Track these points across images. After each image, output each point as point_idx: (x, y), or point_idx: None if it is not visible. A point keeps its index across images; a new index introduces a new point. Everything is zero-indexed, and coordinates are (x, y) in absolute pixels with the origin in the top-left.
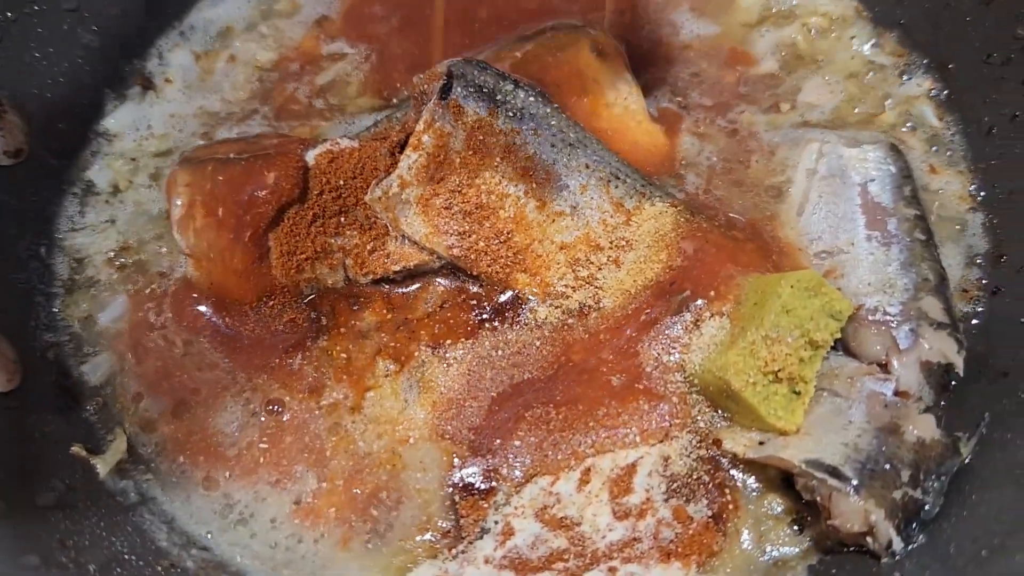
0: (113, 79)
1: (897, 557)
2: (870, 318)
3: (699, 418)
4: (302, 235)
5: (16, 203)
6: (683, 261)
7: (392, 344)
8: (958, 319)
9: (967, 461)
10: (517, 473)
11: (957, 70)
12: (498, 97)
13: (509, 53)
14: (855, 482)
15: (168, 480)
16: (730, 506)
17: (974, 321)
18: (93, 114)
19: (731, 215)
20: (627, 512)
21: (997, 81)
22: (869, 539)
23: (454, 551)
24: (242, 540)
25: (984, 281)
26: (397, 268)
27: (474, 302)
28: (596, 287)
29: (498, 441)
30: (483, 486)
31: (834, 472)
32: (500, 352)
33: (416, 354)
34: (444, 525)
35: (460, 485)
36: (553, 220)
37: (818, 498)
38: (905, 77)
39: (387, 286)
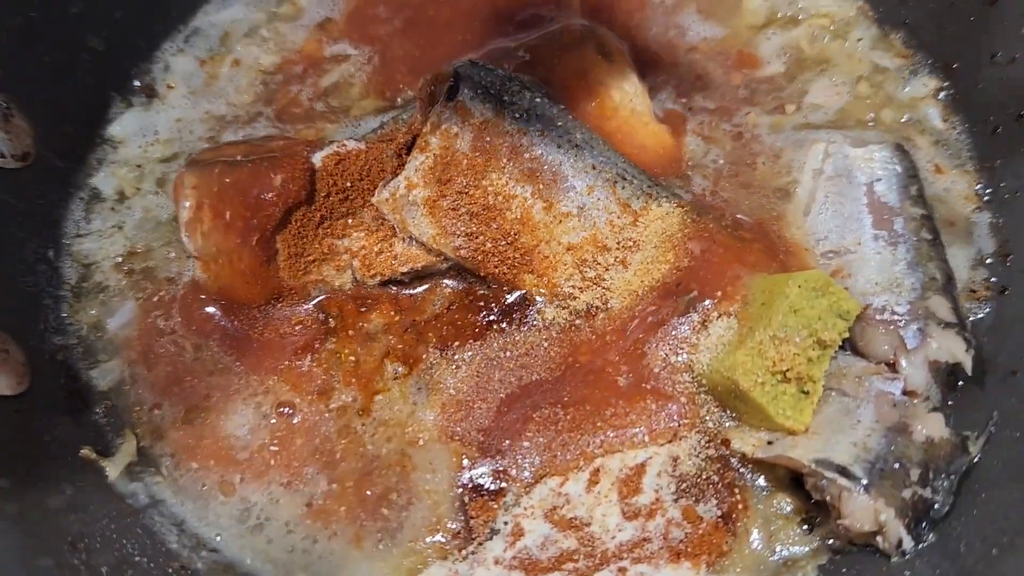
0: (119, 83)
1: (907, 556)
2: (878, 317)
3: (707, 418)
4: (309, 237)
5: (23, 206)
6: (690, 262)
7: (400, 346)
8: (965, 318)
9: (976, 460)
10: (526, 474)
11: (962, 70)
12: (504, 98)
13: (515, 54)
14: (865, 481)
15: (183, 486)
16: (739, 506)
17: (982, 320)
18: (100, 118)
19: (738, 216)
20: (636, 512)
21: (1002, 81)
22: (879, 538)
23: (464, 552)
24: (259, 546)
25: (991, 280)
26: (404, 270)
27: (481, 303)
28: (603, 288)
29: (507, 442)
30: (493, 487)
31: (844, 471)
32: (508, 353)
33: (424, 356)
34: (454, 526)
35: (470, 486)
36: (560, 221)
37: (828, 498)
38: (910, 78)
39: (394, 288)
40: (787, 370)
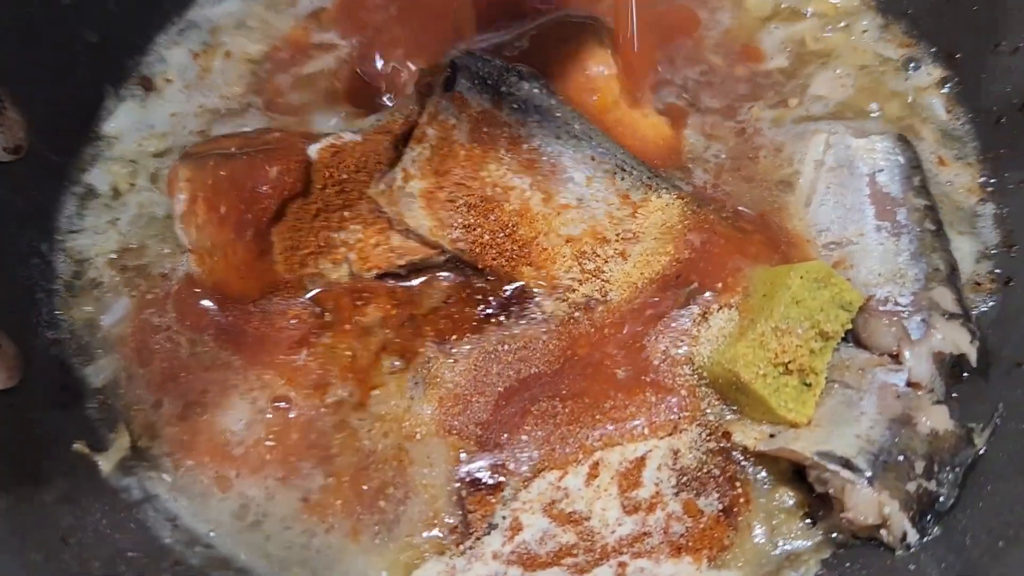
0: (113, 76)
1: (912, 549)
2: (881, 309)
3: (708, 411)
4: (305, 230)
5: (16, 200)
6: (690, 253)
7: (397, 340)
8: (969, 309)
9: (982, 452)
10: (525, 468)
11: (964, 59)
12: (502, 89)
13: (513, 45)
14: (869, 474)
15: (179, 482)
16: (741, 499)
17: (987, 312)
18: (94, 111)
19: (739, 207)
20: (636, 506)
21: (1005, 70)
22: (883, 531)
23: (462, 547)
24: (257, 542)
25: (996, 272)
26: (401, 262)
27: (479, 296)
28: (603, 280)
29: (505, 436)
30: (491, 481)
31: (847, 464)
32: (506, 347)
33: (421, 350)
34: (451, 521)
35: (467, 480)
36: (559, 213)
37: (831, 490)
38: (913, 68)
39: (391, 281)
40: (789, 362)
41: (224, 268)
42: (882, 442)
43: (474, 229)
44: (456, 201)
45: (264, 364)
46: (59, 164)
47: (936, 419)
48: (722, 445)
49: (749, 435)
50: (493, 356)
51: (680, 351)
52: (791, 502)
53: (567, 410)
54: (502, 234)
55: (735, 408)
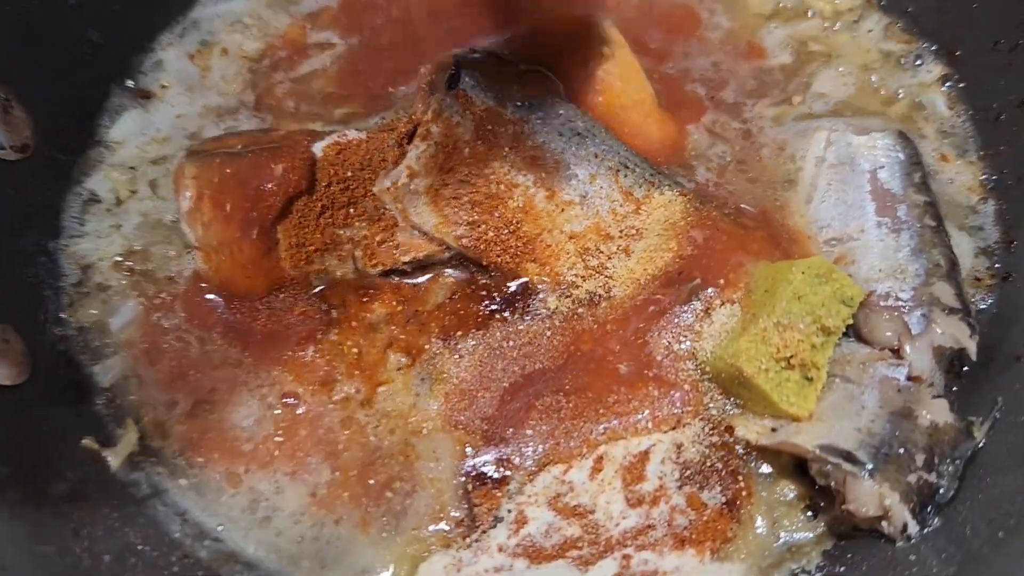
0: (118, 76)
1: (913, 541)
2: (881, 304)
3: (711, 405)
4: (311, 227)
5: (23, 198)
6: (693, 250)
7: (403, 336)
8: (969, 304)
9: (981, 445)
10: (530, 462)
11: (964, 57)
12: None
13: (517, 43)
14: (870, 466)
15: (190, 479)
16: (743, 492)
17: (986, 307)
18: (98, 110)
19: (741, 204)
20: (640, 499)
21: (1005, 67)
22: (884, 523)
23: (468, 540)
24: (268, 538)
25: (996, 267)
26: (407, 259)
27: (484, 293)
28: (606, 276)
29: (510, 430)
30: (496, 475)
31: (848, 456)
32: (511, 342)
33: (427, 347)
34: (457, 514)
35: (473, 474)
36: (563, 209)
37: (832, 483)
38: (915, 66)
39: (397, 277)
40: (791, 357)
41: (230, 265)
42: (883, 435)
43: (479, 226)
44: (460, 198)
45: (272, 360)
46: (64, 163)
47: (936, 412)
48: (725, 439)
49: (751, 429)
50: (498, 352)
51: (683, 346)
52: (793, 495)
53: (571, 405)
54: (506, 231)
55: (738, 402)
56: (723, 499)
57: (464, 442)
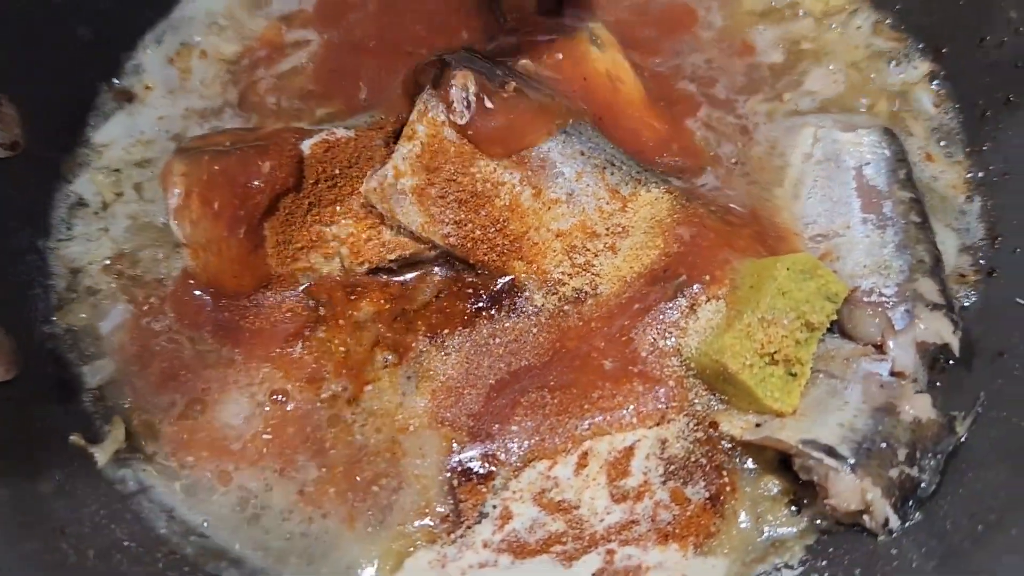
0: (107, 73)
1: (894, 535)
2: (865, 300)
3: (696, 401)
4: (297, 224)
5: (12, 196)
6: (679, 247)
7: (389, 335)
8: (953, 300)
9: (963, 440)
10: (515, 458)
11: (951, 54)
12: (491, 85)
13: (504, 42)
14: (851, 461)
15: (179, 479)
16: (727, 488)
17: (970, 302)
18: (88, 108)
19: (728, 200)
20: (625, 495)
21: (991, 64)
22: (866, 517)
23: (452, 536)
24: (258, 536)
25: (980, 263)
26: (393, 257)
27: (471, 291)
28: (593, 274)
29: (496, 427)
30: (482, 471)
31: (831, 451)
32: (497, 340)
33: (414, 344)
34: (443, 510)
35: (459, 470)
36: (549, 207)
37: (815, 478)
38: (902, 64)
39: (384, 276)
40: (775, 352)
41: (218, 262)
42: (865, 430)
43: (465, 224)
44: (447, 197)
45: (261, 358)
46: (54, 161)
47: (919, 408)
48: (709, 434)
49: (736, 424)
50: (484, 349)
51: (668, 343)
52: (776, 490)
53: (556, 401)
54: (493, 229)
55: (722, 398)
56: (707, 494)
57: (450, 438)
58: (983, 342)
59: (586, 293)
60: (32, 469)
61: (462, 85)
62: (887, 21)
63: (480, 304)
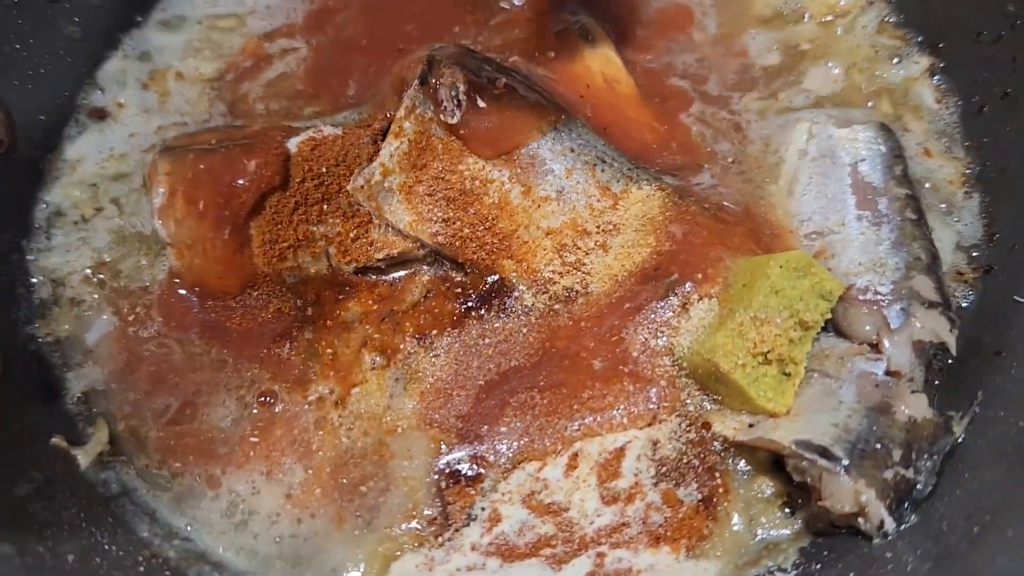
0: (95, 70)
1: (889, 537)
2: (861, 298)
3: (688, 401)
4: (284, 223)
5: None
6: (671, 245)
7: (377, 336)
8: (951, 298)
9: (960, 440)
10: (504, 459)
11: (948, 49)
12: (480, 81)
13: (495, 38)
14: (845, 462)
15: (171, 491)
16: (720, 489)
17: (968, 300)
18: (75, 106)
19: (722, 198)
20: (615, 497)
21: (988, 59)
22: (861, 520)
23: (440, 539)
24: (246, 542)
25: (978, 260)
26: (380, 256)
27: (460, 290)
28: (583, 272)
29: (485, 428)
30: (470, 473)
31: (824, 452)
32: (487, 340)
33: (402, 346)
34: (430, 513)
35: (447, 472)
36: (539, 205)
37: (809, 479)
38: (901, 59)
39: (372, 275)
40: (768, 351)
41: (203, 262)
42: (860, 430)
43: (453, 223)
44: (435, 195)
45: (249, 358)
46: (40, 159)
47: (914, 407)
48: (702, 435)
49: (729, 425)
50: (474, 350)
51: (660, 342)
52: (770, 491)
53: (546, 401)
54: (482, 227)
55: (715, 398)
56: (699, 496)
57: (439, 440)
58: (981, 340)
59: (576, 292)
60: (11, 471)
61: (450, 83)
62: (888, 17)
63: (469, 304)
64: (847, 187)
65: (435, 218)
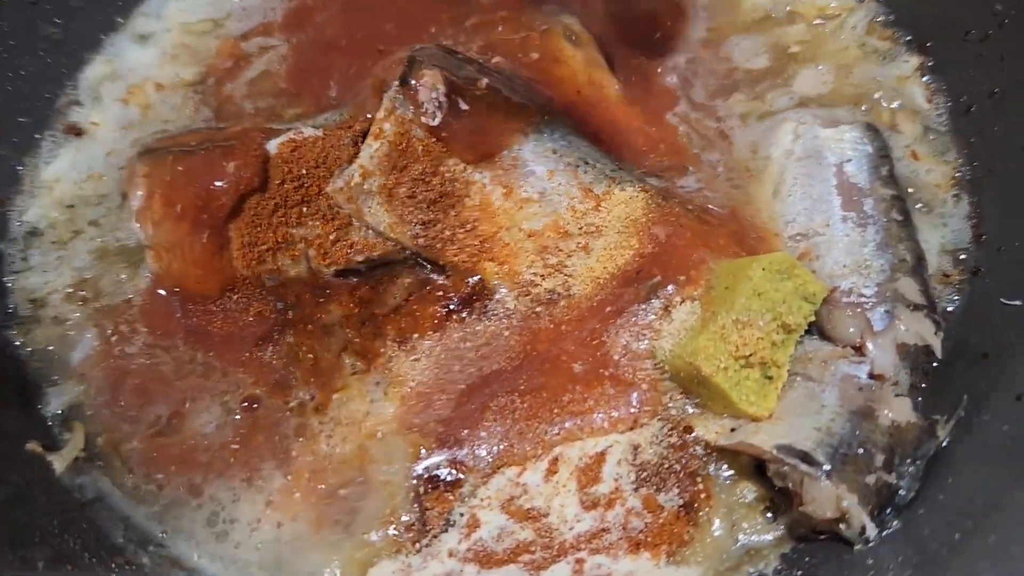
0: (76, 72)
1: (871, 543)
2: (845, 300)
3: (670, 405)
4: (263, 225)
5: None
6: (654, 247)
7: (357, 340)
8: (936, 300)
9: (945, 444)
10: (484, 464)
11: (936, 48)
12: (460, 82)
13: (476, 39)
14: (827, 467)
15: (156, 506)
16: (702, 494)
17: (954, 302)
18: (55, 109)
19: (708, 200)
20: (595, 502)
21: (976, 58)
22: (842, 525)
23: (418, 545)
24: (227, 553)
25: (965, 262)
26: (360, 259)
27: (441, 293)
28: (566, 275)
29: (465, 432)
30: (449, 478)
31: (805, 457)
32: (468, 344)
33: (383, 350)
34: (408, 518)
35: (426, 477)
36: (520, 207)
37: (790, 484)
38: (891, 59)
39: (353, 278)
40: (750, 355)
41: (182, 264)
42: (842, 435)
43: (434, 225)
44: (415, 197)
45: (233, 362)
46: (20, 160)
47: (898, 411)
48: (684, 439)
49: (710, 429)
50: (455, 353)
51: (642, 345)
52: (752, 497)
53: (526, 405)
54: (463, 230)
55: (697, 402)
56: (680, 501)
57: (419, 445)
58: (967, 343)
59: (558, 294)
60: None
61: (431, 85)
62: (877, 17)
63: (451, 307)
64: (832, 188)
65: (415, 220)
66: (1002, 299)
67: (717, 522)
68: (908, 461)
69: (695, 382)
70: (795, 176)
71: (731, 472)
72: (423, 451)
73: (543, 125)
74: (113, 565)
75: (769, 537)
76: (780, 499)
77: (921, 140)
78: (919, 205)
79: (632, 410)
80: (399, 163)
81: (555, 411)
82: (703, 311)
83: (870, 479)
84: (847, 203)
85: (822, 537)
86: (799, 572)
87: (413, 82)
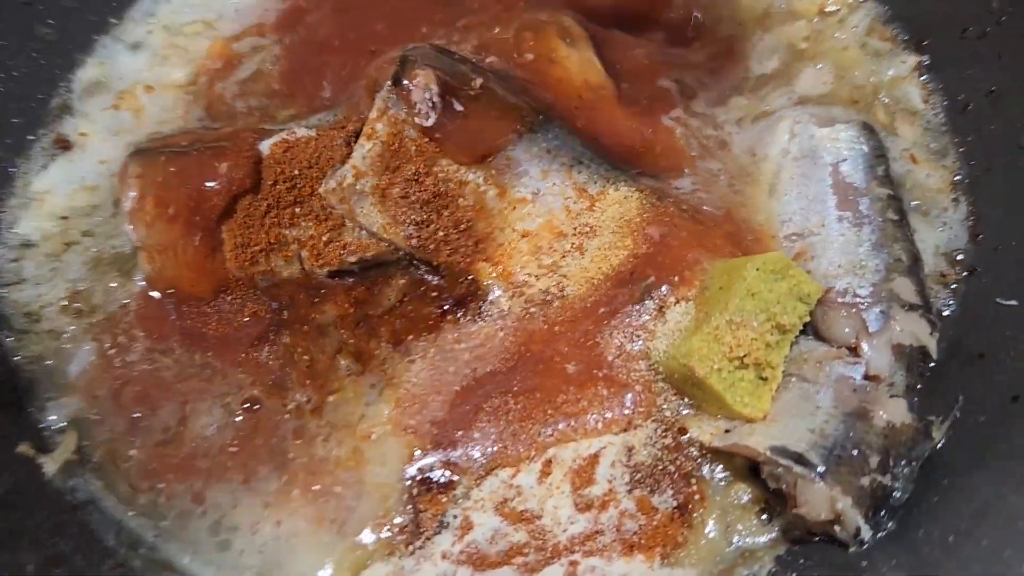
0: (70, 73)
1: (865, 545)
2: (840, 300)
3: (664, 406)
4: (256, 226)
5: None
6: (648, 247)
7: (352, 341)
8: (932, 300)
9: (940, 445)
10: (478, 466)
11: (934, 46)
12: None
13: (471, 39)
14: (821, 468)
15: (167, 519)
16: (696, 496)
17: (951, 302)
18: (49, 108)
19: (703, 201)
20: (589, 504)
21: (973, 56)
22: (837, 527)
23: (411, 547)
24: (230, 561)
25: (961, 262)
26: (354, 259)
27: (435, 294)
28: (560, 275)
29: (459, 433)
30: (443, 480)
31: (799, 459)
32: (463, 345)
33: (377, 352)
34: (401, 520)
35: (419, 479)
36: (514, 207)
37: (784, 486)
38: (890, 58)
39: (348, 279)
40: (744, 356)
41: (174, 266)
42: (836, 436)
43: (428, 226)
44: (409, 197)
45: (230, 363)
46: (13, 162)
47: (893, 412)
48: (678, 441)
49: (705, 431)
50: (450, 355)
51: (636, 346)
52: (747, 498)
53: (519, 407)
54: (456, 230)
55: (691, 403)
56: (675, 503)
57: (413, 446)
58: (963, 344)
59: (552, 295)
60: None
61: (424, 85)
62: (880, 17)
63: (445, 308)
64: (828, 187)
65: (409, 221)
66: (998, 299)
67: (711, 524)
68: (903, 463)
69: (689, 383)
70: (791, 175)
71: (725, 474)
72: (417, 452)
73: (537, 125)
74: (104, 568)
75: (763, 539)
76: (775, 501)
77: (919, 142)
78: (916, 203)
79: (626, 411)
80: (392, 163)
81: (549, 412)
82: (697, 312)
83: (865, 481)
84: (843, 203)
85: (816, 539)
86: (793, 574)
87: (406, 82)
